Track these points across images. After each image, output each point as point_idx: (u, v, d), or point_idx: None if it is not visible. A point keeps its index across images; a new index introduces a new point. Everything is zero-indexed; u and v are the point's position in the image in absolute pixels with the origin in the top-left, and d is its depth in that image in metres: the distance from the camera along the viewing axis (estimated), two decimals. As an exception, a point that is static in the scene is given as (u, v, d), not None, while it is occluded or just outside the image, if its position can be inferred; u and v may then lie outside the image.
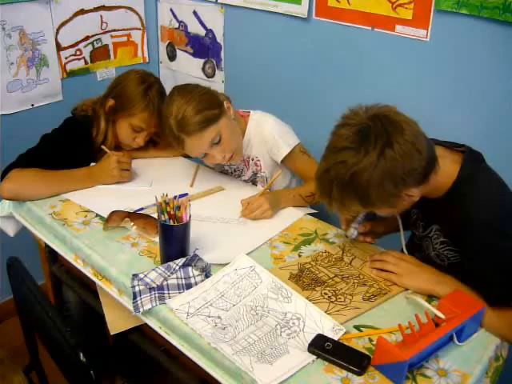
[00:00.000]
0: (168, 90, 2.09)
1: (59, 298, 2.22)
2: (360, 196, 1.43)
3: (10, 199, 2.03)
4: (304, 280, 1.63)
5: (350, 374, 1.30)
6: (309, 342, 1.37)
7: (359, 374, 1.29)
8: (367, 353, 1.35)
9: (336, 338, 1.38)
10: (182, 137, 1.93)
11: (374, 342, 1.37)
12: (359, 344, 1.39)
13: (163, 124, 1.97)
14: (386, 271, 1.63)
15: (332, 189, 1.44)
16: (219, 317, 1.47)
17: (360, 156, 1.38)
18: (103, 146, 2.17)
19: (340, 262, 1.73)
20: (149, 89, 2.15)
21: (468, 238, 1.51)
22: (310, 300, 1.52)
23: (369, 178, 1.38)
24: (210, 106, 1.93)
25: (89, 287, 1.86)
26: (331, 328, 1.42)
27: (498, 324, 1.45)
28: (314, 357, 1.34)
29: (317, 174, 1.51)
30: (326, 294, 1.57)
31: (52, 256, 2.06)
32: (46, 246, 1.97)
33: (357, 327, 1.44)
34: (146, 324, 1.56)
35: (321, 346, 1.35)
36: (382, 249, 1.81)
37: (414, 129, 1.43)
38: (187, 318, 1.46)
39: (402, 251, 1.73)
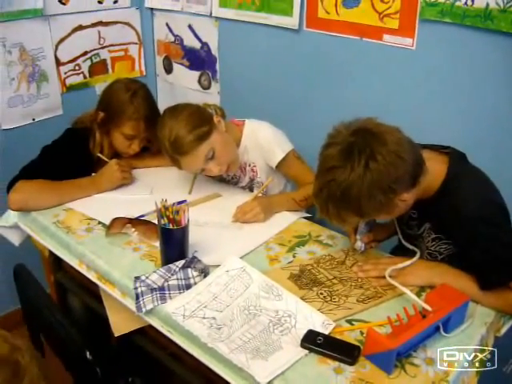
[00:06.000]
0: (165, 102, 2.15)
1: (64, 306, 2.26)
2: (354, 209, 1.50)
3: (18, 210, 2.07)
4: (303, 280, 1.68)
5: (343, 364, 1.36)
6: (301, 337, 1.42)
7: (351, 363, 1.36)
8: (359, 345, 1.41)
9: (326, 333, 1.44)
10: (177, 157, 2.01)
11: (365, 335, 1.43)
12: (351, 337, 1.45)
13: (161, 145, 2.04)
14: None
15: (328, 206, 1.52)
16: (214, 318, 1.52)
17: (347, 172, 1.45)
18: (99, 154, 2.24)
19: (341, 265, 1.77)
20: (134, 96, 2.20)
21: (458, 230, 1.59)
22: (304, 299, 1.58)
23: (358, 191, 1.45)
24: (200, 123, 1.99)
25: (93, 293, 1.91)
26: (321, 323, 1.47)
27: (496, 304, 1.57)
28: (307, 351, 1.40)
29: (313, 193, 1.58)
30: (321, 293, 1.62)
31: (56, 264, 2.11)
32: (51, 254, 2.03)
33: (349, 321, 1.51)
34: (149, 326, 1.61)
35: (313, 341, 1.41)
36: (385, 254, 1.87)
37: (396, 137, 1.50)
38: (183, 320, 1.51)
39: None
